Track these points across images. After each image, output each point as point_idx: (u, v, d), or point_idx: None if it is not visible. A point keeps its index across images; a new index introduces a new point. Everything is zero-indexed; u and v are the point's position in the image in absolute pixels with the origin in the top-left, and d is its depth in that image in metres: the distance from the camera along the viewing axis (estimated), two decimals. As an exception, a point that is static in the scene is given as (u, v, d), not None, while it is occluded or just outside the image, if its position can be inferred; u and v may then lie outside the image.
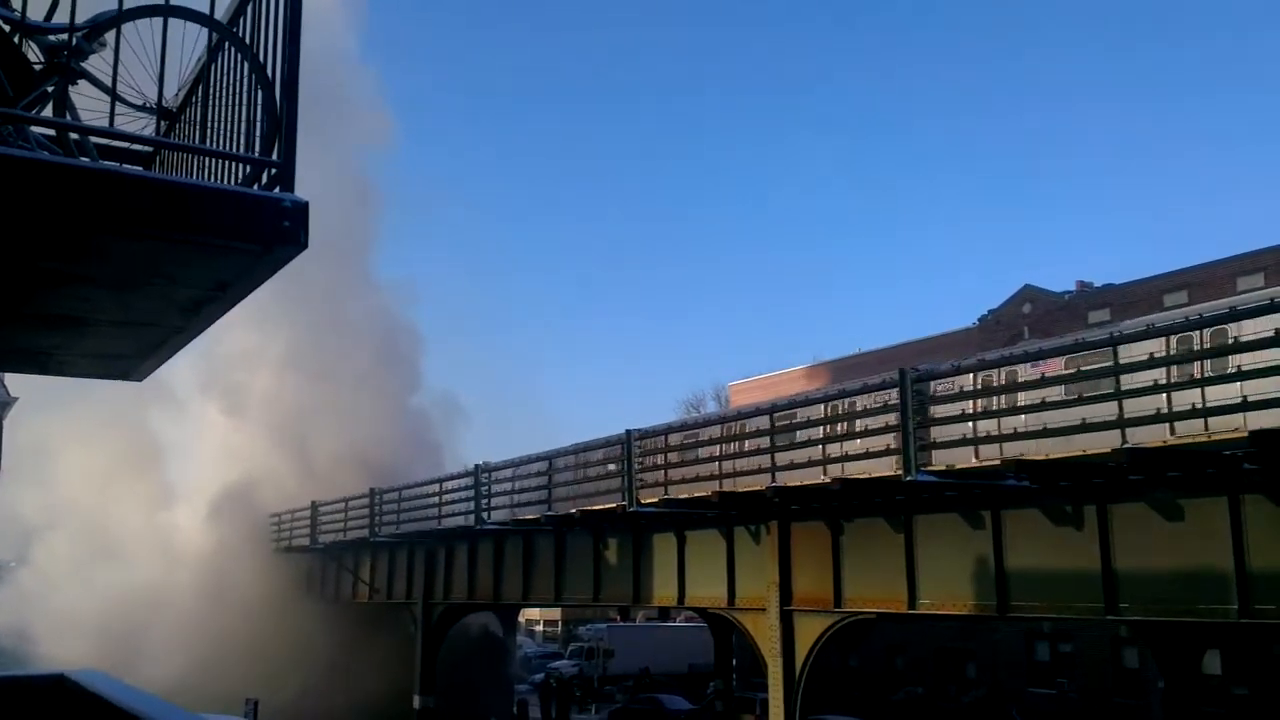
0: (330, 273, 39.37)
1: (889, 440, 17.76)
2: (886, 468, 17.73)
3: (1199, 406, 14.17)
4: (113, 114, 4.26)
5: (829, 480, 18.40)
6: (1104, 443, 14.63)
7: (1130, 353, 16.27)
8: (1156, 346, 16.07)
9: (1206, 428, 13.82)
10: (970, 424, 17.37)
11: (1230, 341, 15.74)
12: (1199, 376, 15.31)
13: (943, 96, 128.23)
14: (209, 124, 4.56)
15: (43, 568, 43.65)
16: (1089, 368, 16.66)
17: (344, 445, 42.15)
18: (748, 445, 22.43)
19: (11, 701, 7.68)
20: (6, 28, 4.28)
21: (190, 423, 47.99)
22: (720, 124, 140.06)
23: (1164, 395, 15.05)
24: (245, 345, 42.82)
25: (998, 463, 15.71)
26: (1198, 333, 16.83)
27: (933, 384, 17.95)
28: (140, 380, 6.19)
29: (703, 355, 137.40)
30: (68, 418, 39.07)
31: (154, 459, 46.75)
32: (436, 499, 31.03)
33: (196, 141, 4.69)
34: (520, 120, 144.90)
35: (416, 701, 33.75)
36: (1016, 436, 16.36)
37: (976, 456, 17.40)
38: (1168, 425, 14.45)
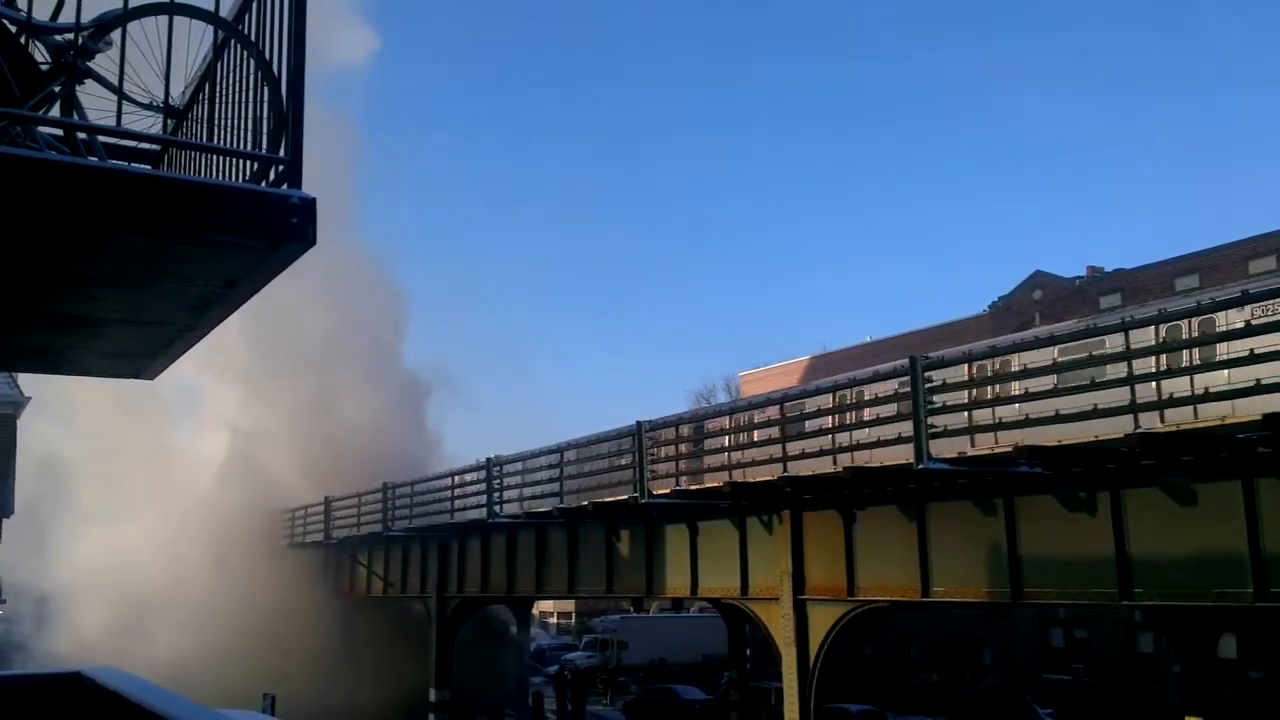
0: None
1: (900, 428, 17.70)
2: (898, 456, 17.67)
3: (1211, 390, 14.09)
4: (120, 113, 4.26)
5: (841, 469, 18.39)
6: (1116, 428, 14.58)
7: (1141, 338, 16.19)
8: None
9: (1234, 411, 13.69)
10: (987, 410, 17.31)
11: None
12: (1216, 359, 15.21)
13: (951, 82, 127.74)
14: (216, 121, 4.56)
15: (60, 522, 41.47)
16: (1099, 352, 16.59)
17: (322, 406, 41.73)
18: (758, 435, 22.39)
19: (29, 700, 7.73)
20: (13, 28, 4.28)
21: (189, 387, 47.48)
22: (726, 112, 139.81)
23: (1166, 380, 15.00)
24: None
25: (1010, 449, 15.66)
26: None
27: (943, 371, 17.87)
28: (152, 379, 6.21)
29: (713, 346, 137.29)
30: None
31: (164, 417, 45.96)
32: (449, 493, 31.18)
33: (204, 139, 4.70)
34: (522, 109, 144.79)
35: (432, 694, 33.88)
36: (1029, 423, 16.29)
37: (996, 441, 17.31)
38: (1177, 410, 14.36)
